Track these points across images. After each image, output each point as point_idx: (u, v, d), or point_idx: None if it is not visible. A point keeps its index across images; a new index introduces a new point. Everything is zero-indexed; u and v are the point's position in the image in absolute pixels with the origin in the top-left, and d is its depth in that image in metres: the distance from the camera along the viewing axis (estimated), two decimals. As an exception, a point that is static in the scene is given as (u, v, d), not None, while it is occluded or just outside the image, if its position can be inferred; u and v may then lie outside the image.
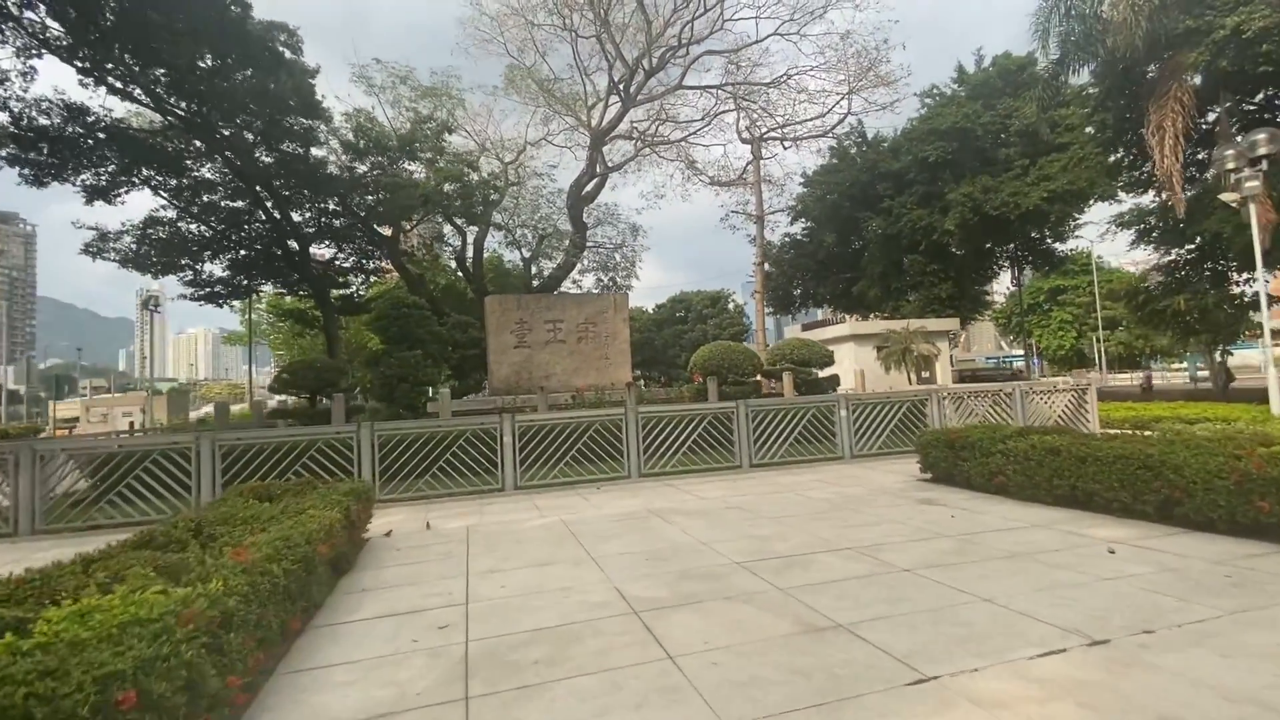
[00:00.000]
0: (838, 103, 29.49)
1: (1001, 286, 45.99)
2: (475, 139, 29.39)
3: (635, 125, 31.41)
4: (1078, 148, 24.36)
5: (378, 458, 9.09)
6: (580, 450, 10.02)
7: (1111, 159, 22.15)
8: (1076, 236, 32.52)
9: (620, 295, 17.12)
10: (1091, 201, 28.53)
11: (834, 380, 15.64)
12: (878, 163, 30.11)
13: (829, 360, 15.35)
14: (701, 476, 10.14)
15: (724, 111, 29.87)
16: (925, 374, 26.91)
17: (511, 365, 15.82)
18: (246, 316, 29.42)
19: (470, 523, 7.55)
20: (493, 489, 9.46)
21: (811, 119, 30.70)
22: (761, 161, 32.86)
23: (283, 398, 13.10)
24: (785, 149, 33.23)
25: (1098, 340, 55.52)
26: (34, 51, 17.58)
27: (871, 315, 34.73)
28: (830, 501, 7.65)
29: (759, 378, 15.18)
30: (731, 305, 21.17)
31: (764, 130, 32.58)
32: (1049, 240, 32.16)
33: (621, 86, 27.76)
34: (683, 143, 30.72)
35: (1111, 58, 17.39)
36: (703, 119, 30.79)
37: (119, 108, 20.26)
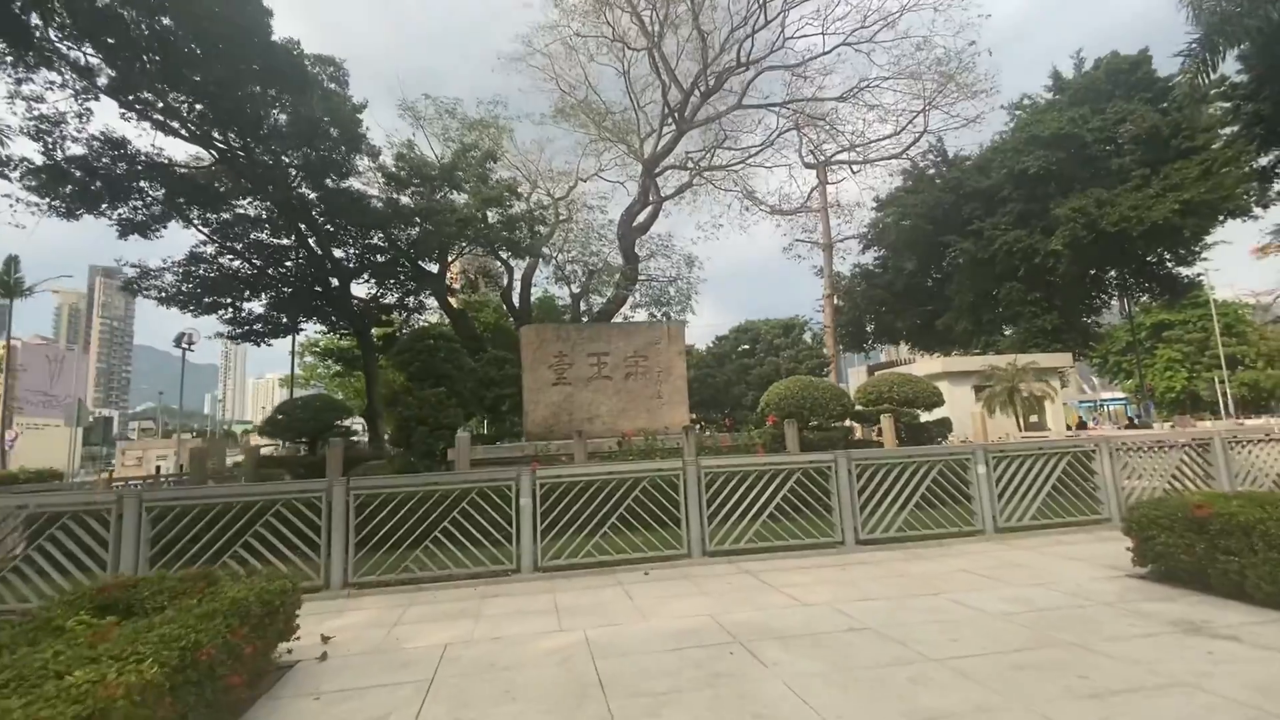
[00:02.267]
0: (914, 118, 26.82)
1: (1104, 319, 40.97)
2: (525, 174, 28.27)
3: (690, 155, 29.70)
4: (1222, 147, 20.64)
5: (353, 525, 6.79)
6: (625, 515, 7.44)
7: (1264, 160, 18.44)
8: (1204, 259, 28.06)
9: (675, 325, 14.72)
10: (1221, 217, 24.39)
11: (945, 425, 12.54)
12: (962, 181, 27.02)
13: (936, 400, 12.30)
14: (790, 557, 7.33)
15: (785, 130, 27.64)
16: (1034, 418, 23.04)
17: (549, 405, 13.51)
18: (291, 356, 28.73)
19: (454, 635, 5.04)
20: (504, 570, 6.96)
21: (884, 139, 28.07)
22: (828, 186, 30.36)
23: (274, 443, 11.26)
24: (854, 173, 30.57)
25: (1220, 381, 48.84)
26: (91, 95, 17.34)
27: (954, 352, 30.96)
28: (1021, 621, 4.74)
29: (848, 421, 12.27)
30: (809, 335, 18.40)
31: (830, 153, 30.19)
32: (1169, 263, 27.89)
33: (676, 111, 26.12)
34: (742, 165, 28.58)
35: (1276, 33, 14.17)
36: (762, 144, 28.73)
37: (162, 142, 20.05)
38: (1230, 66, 17.34)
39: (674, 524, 7.55)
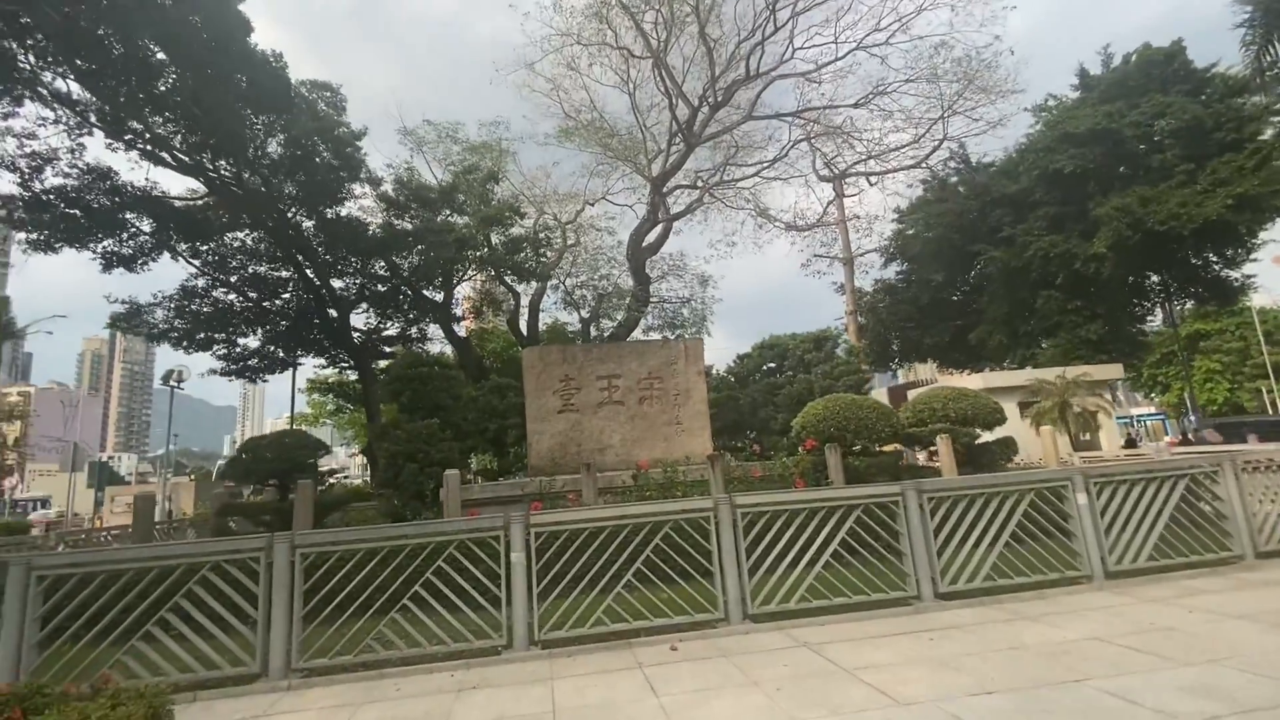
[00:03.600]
0: (934, 125, 25.60)
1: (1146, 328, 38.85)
2: (529, 198, 27.36)
3: (699, 174, 28.70)
4: (1276, 136, 19.11)
5: (300, 592, 5.35)
6: (644, 566, 5.93)
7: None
8: (1253, 259, 26.18)
9: (693, 342, 13.30)
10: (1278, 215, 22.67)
11: (1009, 445, 10.90)
12: (989, 187, 25.64)
13: (998, 417, 10.69)
14: (854, 619, 5.75)
15: (798, 141, 26.52)
16: (1084, 436, 21.16)
17: (555, 436, 12.08)
18: (292, 392, 27.70)
19: (405, 763, 3.55)
20: (492, 647, 5.46)
21: (902, 147, 26.86)
22: (845, 200, 29.13)
23: (230, 486, 9.88)
24: (872, 184, 29.31)
25: (1270, 391, 46.20)
26: (85, 130, 16.72)
27: (987, 368, 29.14)
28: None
29: (896, 446, 10.70)
30: (843, 348, 16.81)
31: (846, 165, 29.03)
32: (1216, 266, 26.10)
33: (684, 127, 25.18)
34: (753, 182, 27.46)
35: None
36: (774, 158, 27.64)
37: (156, 175, 19.32)
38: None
39: (705, 573, 6.02)
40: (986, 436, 10.94)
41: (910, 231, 28.69)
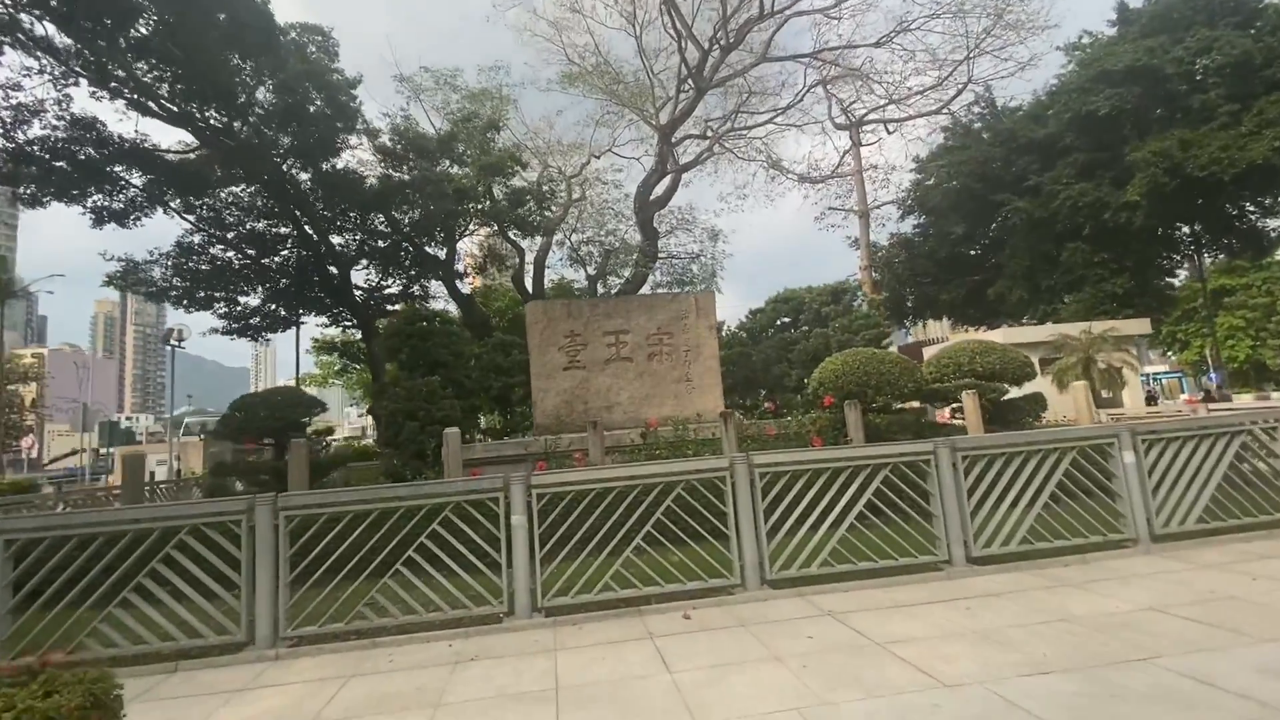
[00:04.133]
0: (958, 67, 24.16)
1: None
2: (533, 151, 26.31)
3: (709, 123, 27.46)
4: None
5: (286, 558, 4.99)
6: (654, 530, 5.51)
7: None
8: (1291, 208, 24.91)
9: (704, 295, 12.70)
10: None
11: (1037, 402, 10.36)
12: (1015, 133, 24.34)
13: (1028, 371, 10.12)
14: (880, 586, 5.35)
15: (814, 85, 25.21)
16: (1106, 393, 20.54)
17: (560, 393, 11.65)
18: (296, 351, 27.36)
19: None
20: (493, 615, 5.11)
21: (924, 91, 25.46)
22: (862, 149, 27.89)
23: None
24: (890, 132, 27.97)
25: (1295, 347, 44.95)
26: (71, 80, 15.95)
27: (1004, 324, 28.32)
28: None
29: (917, 403, 10.18)
30: (861, 300, 15.94)
31: (863, 112, 27.68)
32: (1253, 215, 24.92)
33: (694, 71, 23.91)
34: (766, 130, 26.26)
35: None
36: (789, 104, 26.32)
37: (146, 127, 18.56)
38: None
39: (720, 535, 5.62)
40: (1014, 392, 10.39)
41: (930, 181, 27.49)
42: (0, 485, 13.62)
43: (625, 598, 5.25)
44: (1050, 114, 23.25)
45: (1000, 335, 21.13)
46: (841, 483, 5.72)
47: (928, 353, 16.68)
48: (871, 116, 27.63)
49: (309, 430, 10.16)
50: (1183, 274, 31.11)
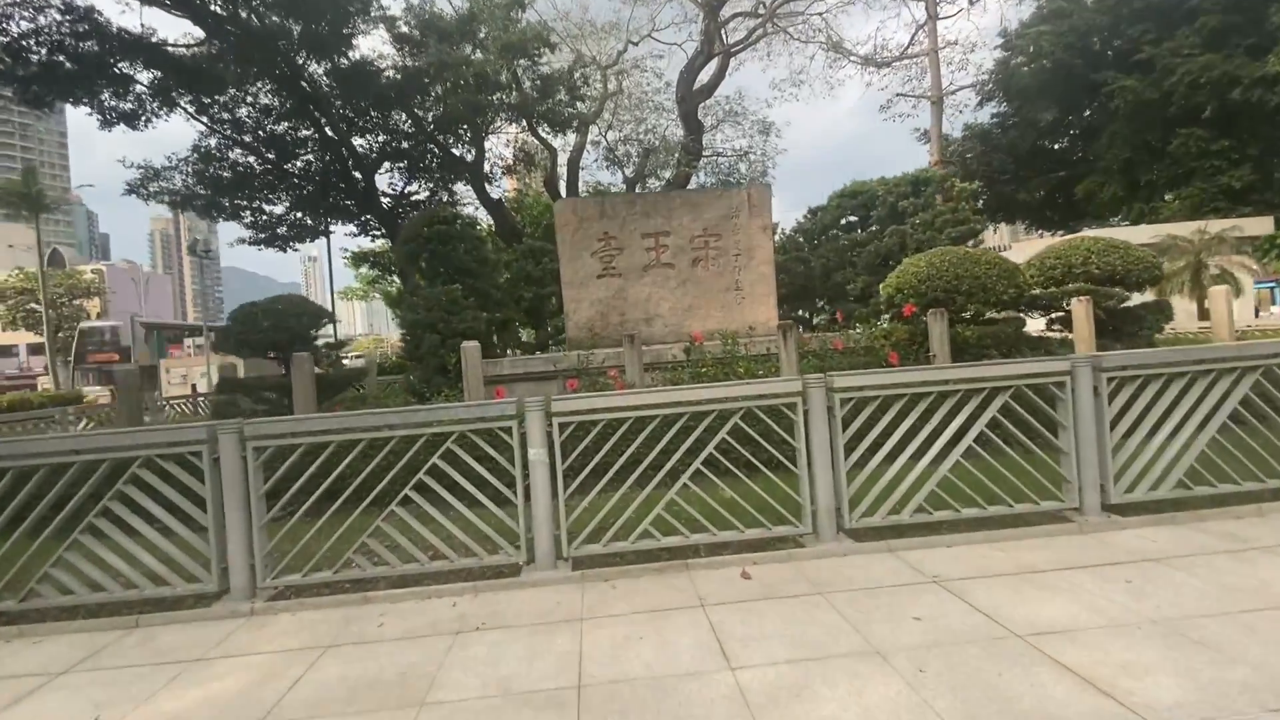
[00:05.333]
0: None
1: None
2: (561, 35, 23.72)
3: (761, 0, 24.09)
4: None
5: (259, 496, 4.14)
6: (705, 463, 4.44)
7: None
8: None
9: (757, 190, 11.02)
10: None
11: (1162, 310, 8.67)
12: (1129, -6, 20.47)
13: (1154, 273, 8.37)
14: (993, 542, 4.20)
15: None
16: (1208, 304, 18.16)
17: (594, 304, 10.48)
18: (329, 260, 26.76)
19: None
20: (510, 564, 4.23)
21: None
22: (939, 23, 24.23)
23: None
24: (972, 2, 24.08)
25: None
26: None
27: (1086, 227, 25.33)
28: None
29: (1006, 312, 8.60)
30: (951, 185, 13.35)
31: (943, -23, 23.79)
32: None
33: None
34: (828, 2, 22.95)
35: None
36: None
37: (152, 20, 17.08)
38: None
39: (784, 467, 4.54)
40: (1137, 298, 8.69)
41: (1018, 60, 23.86)
42: (35, 400, 13.58)
43: (669, 547, 4.28)
44: (1177, -33, 19.30)
45: (1020, 253, 18.68)
46: (946, 411, 4.47)
47: (1033, 249, 14.61)
48: (952, -18, 23.81)
49: (328, 341, 9.37)
50: None
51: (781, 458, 4.60)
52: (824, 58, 25.22)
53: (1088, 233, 9.79)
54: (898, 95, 24.31)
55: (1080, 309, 7.81)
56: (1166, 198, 22.68)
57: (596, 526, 4.30)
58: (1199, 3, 18.80)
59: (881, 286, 8.77)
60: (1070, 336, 8.16)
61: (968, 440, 4.43)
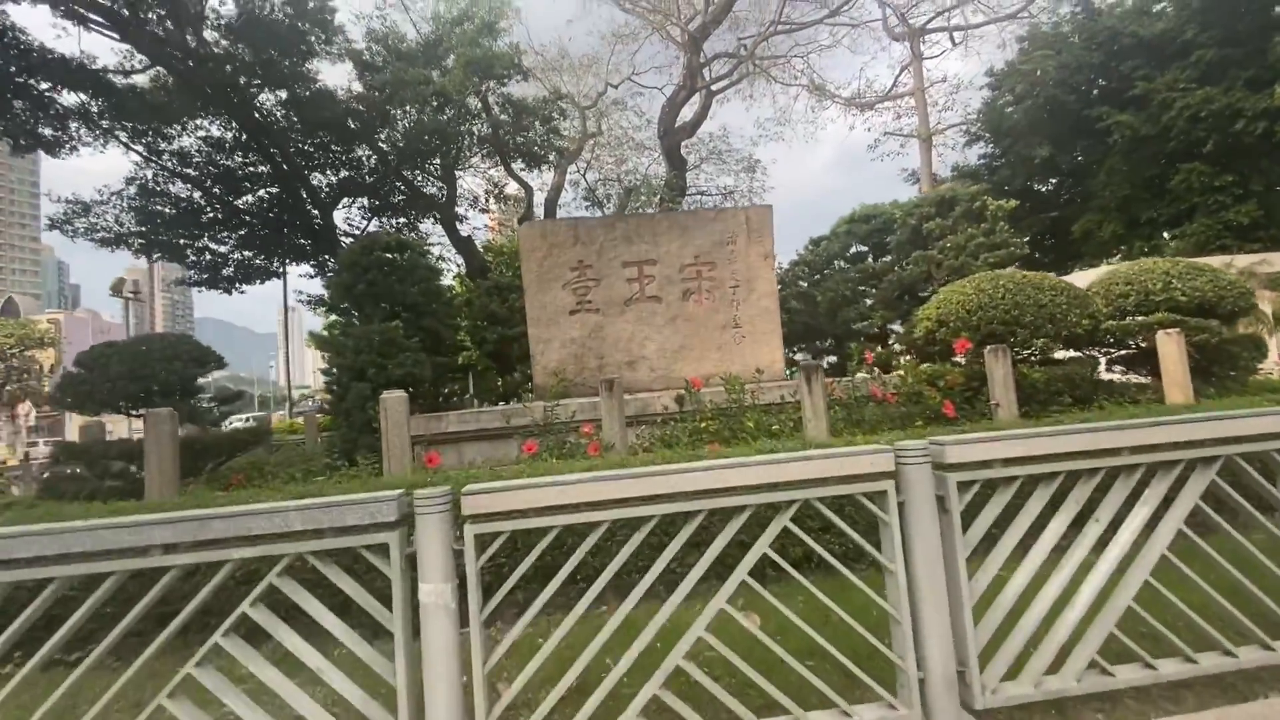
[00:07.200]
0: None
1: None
2: (540, 74, 22.84)
3: (743, 42, 23.62)
4: None
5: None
6: (724, 557, 2.59)
7: None
8: None
9: (757, 211, 9.56)
10: None
11: (1255, 346, 7.15)
12: (1118, 32, 20.15)
13: (1247, 302, 6.89)
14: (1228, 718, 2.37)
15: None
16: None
17: (566, 344, 8.74)
18: (284, 304, 24.74)
19: None
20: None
21: (1003, -14, 21.27)
22: (923, 62, 23.89)
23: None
24: (955, 44, 23.88)
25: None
26: None
27: (1075, 269, 24.54)
28: None
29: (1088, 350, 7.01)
30: (984, 204, 11.91)
31: (925, 19, 23.60)
32: None
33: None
34: (809, 45, 22.47)
35: None
36: (837, 7, 22.31)
37: (91, 46, 15.67)
38: None
39: (819, 569, 2.71)
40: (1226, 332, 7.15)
41: (1004, 100, 23.45)
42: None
43: (670, 758, 2.37)
44: (1165, 4, 19.04)
45: (1091, 277, 17.55)
46: (1133, 488, 2.72)
47: (1097, 274, 13.07)
48: (935, 25, 23.62)
49: (225, 395, 7.44)
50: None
51: (826, 553, 2.76)
52: (808, 98, 24.65)
53: (1158, 259, 8.29)
54: (885, 134, 23.69)
55: (1171, 345, 6.22)
56: (1166, 235, 21.91)
57: (535, 703, 2.39)
58: (1192, 36, 18.40)
59: (917, 318, 7.15)
60: (1135, 378, 6.56)
61: (1169, 537, 2.66)
